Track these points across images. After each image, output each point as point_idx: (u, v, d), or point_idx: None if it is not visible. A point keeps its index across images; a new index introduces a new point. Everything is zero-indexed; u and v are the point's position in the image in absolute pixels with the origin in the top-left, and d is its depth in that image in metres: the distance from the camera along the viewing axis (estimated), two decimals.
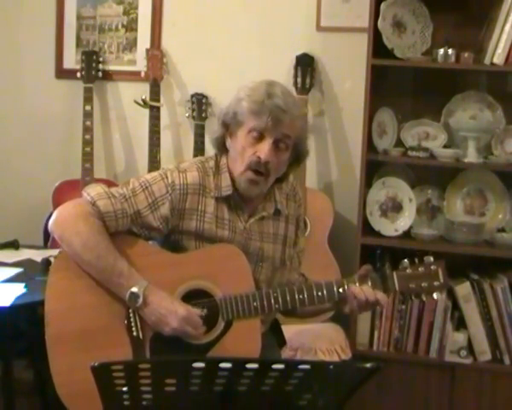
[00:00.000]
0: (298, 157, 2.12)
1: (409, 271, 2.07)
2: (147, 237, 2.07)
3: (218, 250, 2.06)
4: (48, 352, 1.97)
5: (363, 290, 2.02)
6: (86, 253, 1.97)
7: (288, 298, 2.03)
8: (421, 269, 2.07)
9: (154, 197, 2.03)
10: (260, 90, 2.01)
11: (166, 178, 2.05)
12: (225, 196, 2.08)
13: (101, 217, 1.99)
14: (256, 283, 2.07)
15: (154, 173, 2.09)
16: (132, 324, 1.99)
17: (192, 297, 2.01)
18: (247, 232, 2.11)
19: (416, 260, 2.09)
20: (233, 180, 2.08)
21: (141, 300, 1.95)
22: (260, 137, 2.00)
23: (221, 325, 2.01)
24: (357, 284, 2.05)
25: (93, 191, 2.02)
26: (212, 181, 2.08)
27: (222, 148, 2.11)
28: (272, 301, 2.02)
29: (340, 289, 2.04)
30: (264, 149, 1.99)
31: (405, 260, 2.08)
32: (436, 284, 2.08)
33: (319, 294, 2.04)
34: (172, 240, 2.09)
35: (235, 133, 2.06)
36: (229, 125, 2.07)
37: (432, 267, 2.08)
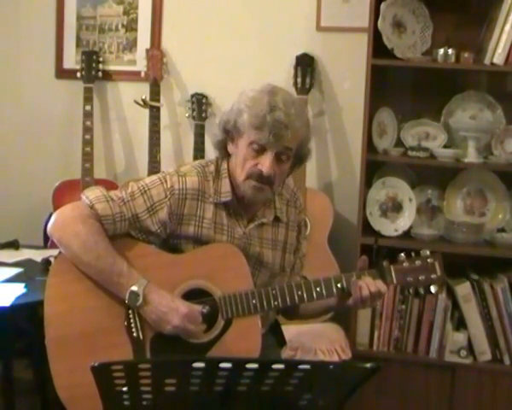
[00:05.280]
0: (300, 159, 2.11)
1: (406, 264, 2.08)
2: (145, 241, 2.06)
3: (216, 249, 2.06)
4: (48, 355, 1.97)
5: (365, 281, 2.03)
6: (85, 254, 1.97)
7: (287, 295, 2.03)
8: (418, 262, 2.08)
9: (152, 201, 2.02)
10: (262, 101, 1.97)
11: (166, 182, 2.04)
12: (224, 202, 2.08)
13: (99, 220, 1.99)
14: None
15: (154, 177, 2.08)
16: (132, 325, 1.98)
17: (191, 297, 2.01)
18: (246, 237, 2.10)
19: (413, 254, 2.09)
20: (233, 186, 2.07)
21: (141, 298, 1.94)
22: (261, 150, 1.99)
23: (221, 323, 2.01)
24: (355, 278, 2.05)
25: (92, 194, 2.02)
26: (211, 186, 2.07)
27: (223, 151, 2.11)
28: (271, 298, 2.02)
29: (339, 285, 2.05)
30: (265, 163, 1.98)
31: (402, 254, 2.09)
32: (433, 276, 2.09)
33: (317, 289, 2.04)
34: (171, 244, 2.08)
35: (236, 141, 2.04)
36: (229, 132, 2.06)
37: (428, 260, 2.09)
